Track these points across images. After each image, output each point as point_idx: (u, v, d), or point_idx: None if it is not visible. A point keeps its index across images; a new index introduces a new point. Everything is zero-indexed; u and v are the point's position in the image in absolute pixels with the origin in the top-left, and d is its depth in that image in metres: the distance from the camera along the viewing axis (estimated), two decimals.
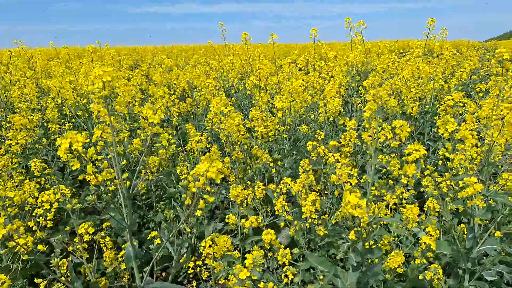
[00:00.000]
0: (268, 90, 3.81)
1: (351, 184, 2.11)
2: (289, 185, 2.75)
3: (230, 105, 3.47)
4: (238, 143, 3.30)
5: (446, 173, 2.81)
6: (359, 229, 1.88)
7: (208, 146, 3.60)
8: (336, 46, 20.40)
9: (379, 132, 1.85)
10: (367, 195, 2.06)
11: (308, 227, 2.83)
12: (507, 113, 1.88)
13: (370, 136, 1.86)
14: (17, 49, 7.56)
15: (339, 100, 3.07)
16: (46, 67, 6.88)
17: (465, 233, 2.56)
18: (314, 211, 2.60)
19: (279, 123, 3.25)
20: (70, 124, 4.38)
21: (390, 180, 2.86)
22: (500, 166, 3.72)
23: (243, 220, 2.77)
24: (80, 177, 1.94)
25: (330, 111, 3.07)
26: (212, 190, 3.71)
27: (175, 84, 6.42)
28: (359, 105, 3.96)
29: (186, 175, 3.14)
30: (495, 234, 2.14)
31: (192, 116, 5.41)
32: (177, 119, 4.34)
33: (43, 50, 8.09)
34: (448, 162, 2.82)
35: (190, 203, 1.42)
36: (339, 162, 2.10)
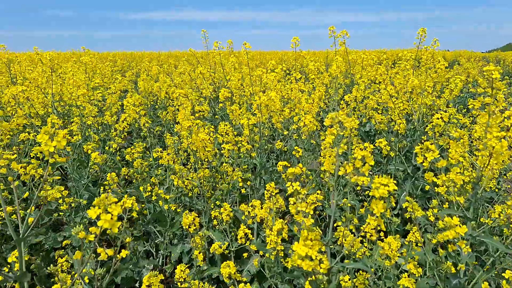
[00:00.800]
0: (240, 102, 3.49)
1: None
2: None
3: (199, 117, 3.16)
4: (205, 159, 2.98)
5: (433, 200, 2.50)
6: (316, 278, 1.56)
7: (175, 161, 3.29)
8: (321, 55, 20.16)
9: (340, 164, 1.53)
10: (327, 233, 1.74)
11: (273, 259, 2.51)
12: (497, 143, 1.56)
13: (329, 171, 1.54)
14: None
15: (311, 117, 2.75)
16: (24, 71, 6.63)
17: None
18: (280, 242, 2.28)
19: (248, 140, 2.93)
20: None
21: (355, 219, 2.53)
22: (496, 189, 3.40)
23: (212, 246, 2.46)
24: None
25: (305, 127, 2.76)
26: (178, 210, 3.39)
27: (157, 92, 6.15)
28: None
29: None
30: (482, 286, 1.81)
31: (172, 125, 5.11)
32: (152, 129, 4.05)
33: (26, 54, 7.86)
34: (436, 188, 2.51)
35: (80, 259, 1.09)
36: (299, 193, 1.78)
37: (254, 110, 2.84)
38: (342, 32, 3.85)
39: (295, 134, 3.13)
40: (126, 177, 3.57)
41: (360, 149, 1.49)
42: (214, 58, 5.26)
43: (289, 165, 2.66)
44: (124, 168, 3.60)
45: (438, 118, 2.94)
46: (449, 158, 2.01)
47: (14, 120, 3.62)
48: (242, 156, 3.03)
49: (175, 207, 3.23)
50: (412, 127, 3.50)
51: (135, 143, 3.48)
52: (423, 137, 3.28)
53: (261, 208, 2.42)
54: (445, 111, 3.06)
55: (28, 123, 4.15)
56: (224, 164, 3.07)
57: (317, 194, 1.88)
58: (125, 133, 3.80)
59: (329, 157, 1.63)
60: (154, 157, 3.16)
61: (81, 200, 3.32)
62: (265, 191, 2.44)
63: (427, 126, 3.26)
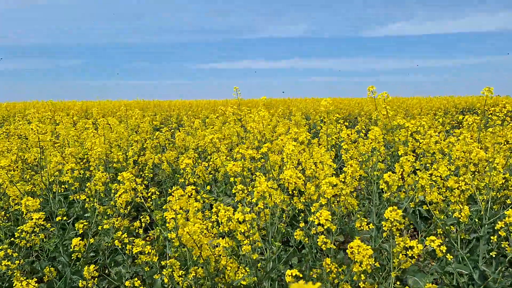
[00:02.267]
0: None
1: None
2: None
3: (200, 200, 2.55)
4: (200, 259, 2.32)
5: None
6: None
7: None
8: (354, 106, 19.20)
9: None
10: None
11: None
12: None
13: None
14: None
15: (328, 214, 2.00)
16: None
17: None
18: None
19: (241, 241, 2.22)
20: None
21: None
22: None
23: None
24: None
25: (320, 226, 2.02)
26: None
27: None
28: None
29: None
30: None
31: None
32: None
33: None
34: None
35: None
36: None
37: (255, 199, 2.16)
38: (383, 94, 3.08)
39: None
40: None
41: None
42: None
43: (301, 275, 1.92)
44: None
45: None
46: None
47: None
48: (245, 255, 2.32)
49: None
50: (476, 217, 2.58)
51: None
52: (492, 237, 2.37)
53: None
54: None
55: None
56: (222, 260, 2.38)
57: None
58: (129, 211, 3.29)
59: None
60: (135, 252, 2.56)
61: None
62: None
63: (497, 219, 2.35)
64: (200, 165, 4.34)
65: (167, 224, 2.25)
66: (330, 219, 1.97)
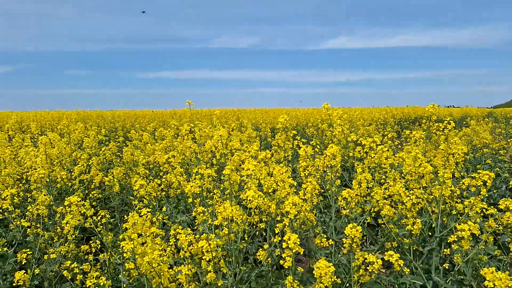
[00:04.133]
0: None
1: None
2: None
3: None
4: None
5: None
6: None
7: None
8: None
9: None
10: None
11: None
12: None
13: None
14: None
15: (296, 237, 2.02)
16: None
17: None
18: None
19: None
20: None
21: None
22: None
23: None
24: None
25: (288, 250, 2.01)
26: None
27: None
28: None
29: None
30: None
31: None
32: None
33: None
34: None
35: None
36: None
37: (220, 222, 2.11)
38: (338, 112, 3.19)
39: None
40: None
41: None
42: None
43: None
44: None
45: (463, 230, 2.21)
46: None
47: None
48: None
49: None
50: (426, 229, 2.75)
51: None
52: (445, 250, 2.54)
53: None
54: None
55: None
56: None
57: None
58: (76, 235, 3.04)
59: None
60: (88, 285, 2.37)
61: None
62: None
63: (448, 234, 2.52)
64: (152, 182, 4.17)
65: (124, 254, 2.12)
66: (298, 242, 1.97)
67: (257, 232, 2.94)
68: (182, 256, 2.35)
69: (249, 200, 2.40)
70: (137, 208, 4.45)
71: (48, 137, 5.97)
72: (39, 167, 3.80)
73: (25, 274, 2.55)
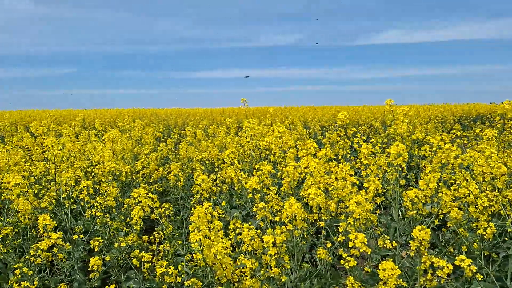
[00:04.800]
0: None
1: None
2: None
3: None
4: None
5: None
6: None
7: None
8: (377, 110, 19.25)
9: None
10: None
11: None
12: None
13: None
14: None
15: (363, 237, 1.98)
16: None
17: None
18: None
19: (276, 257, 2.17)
20: None
21: None
22: None
23: None
24: None
25: (355, 249, 1.98)
26: None
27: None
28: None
29: None
30: None
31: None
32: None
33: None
34: None
35: None
36: None
37: (283, 219, 2.13)
38: (404, 108, 3.04)
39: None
40: None
41: None
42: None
43: None
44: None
45: None
46: None
47: None
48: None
49: None
50: (498, 233, 2.57)
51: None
52: None
53: None
54: None
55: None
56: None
57: None
58: (141, 226, 3.22)
59: None
60: (158, 274, 2.51)
61: None
62: None
63: None
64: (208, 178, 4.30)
65: (192, 245, 2.21)
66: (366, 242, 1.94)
67: (311, 230, 2.93)
68: (244, 250, 2.40)
69: (311, 198, 2.39)
70: (192, 202, 4.62)
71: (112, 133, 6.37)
72: (107, 161, 4.07)
73: (98, 260, 2.75)
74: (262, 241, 2.45)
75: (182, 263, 2.72)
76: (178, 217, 4.73)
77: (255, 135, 4.80)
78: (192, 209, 2.53)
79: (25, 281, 2.45)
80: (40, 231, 2.79)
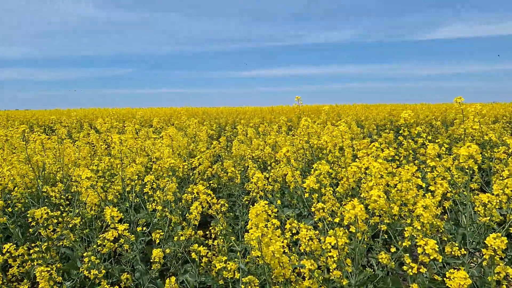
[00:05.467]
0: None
1: None
2: None
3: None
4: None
5: None
6: None
7: None
8: (437, 109, 18.05)
9: None
10: None
11: None
12: None
13: None
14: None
15: (434, 243, 1.85)
16: None
17: None
18: None
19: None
20: None
21: None
22: None
23: None
24: None
25: (425, 256, 1.86)
26: None
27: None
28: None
29: None
30: None
31: None
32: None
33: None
34: None
35: None
36: None
37: (345, 222, 2.06)
38: (476, 106, 2.80)
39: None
40: None
41: None
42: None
43: None
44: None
45: None
46: None
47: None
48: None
49: None
50: None
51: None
52: None
53: None
54: None
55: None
56: None
57: None
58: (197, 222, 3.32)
59: None
60: (217, 269, 2.55)
61: None
62: None
63: None
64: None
65: (251, 242, 2.22)
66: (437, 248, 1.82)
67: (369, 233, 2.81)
68: (302, 250, 2.37)
69: (373, 200, 2.30)
70: (244, 200, 4.67)
71: (170, 131, 6.62)
72: (166, 158, 4.23)
73: (160, 252, 2.86)
74: (320, 242, 2.41)
75: (241, 260, 2.75)
76: (230, 214, 4.80)
77: (308, 134, 4.73)
78: (250, 206, 2.55)
79: (94, 269, 2.62)
80: (108, 221, 2.96)
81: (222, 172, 5.74)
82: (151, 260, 2.89)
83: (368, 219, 2.47)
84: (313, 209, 2.54)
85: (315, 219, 2.52)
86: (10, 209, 3.64)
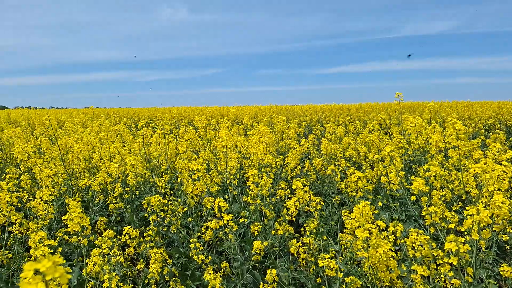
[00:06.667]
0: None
1: None
2: None
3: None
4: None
5: None
6: None
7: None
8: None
9: None
10: None
11: None
12: None
13: None
14: None
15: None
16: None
17: None
18: None
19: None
20: None
21: None
22: None
23: None
24: None
25: None
26: None
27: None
28: None
29: None
30: None
31: None
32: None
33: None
34: None
35: None
36: None
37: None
38: None
39: None
40: None
41: None
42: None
43: None
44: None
45: None
46: None
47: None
48: None
49: None
50: None
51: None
52: None
53: None
54: None
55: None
56: None
57: None
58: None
59: None
60: (320, 265, 2.53)
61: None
62: None
63: None
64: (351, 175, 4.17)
65: (358, 242, 2.16)
66: None
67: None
68: (411, 256, 2.24)
69: (497, 205, 2.06)
70: (334, 200, 4.57)
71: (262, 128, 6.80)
72: (261, 154, 4.35)
73: (261, 245, 2.95)
74: (432, 248, 2.25)
75: (339, 259, 2.70)
76: (323, 212, 4.74)
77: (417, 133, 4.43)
78: (340, 207, 2.48)
79: (200, 255, 2.80)
80: (207, 211, 3.14)
81: (312, 169, 5.70)
82: (252, 251, 2.99)
83: (490, 225, 2.22)
84: (424, 212, 2.38)
85: (426, 224, 2.35)
86: (127, 195, 4.09)
